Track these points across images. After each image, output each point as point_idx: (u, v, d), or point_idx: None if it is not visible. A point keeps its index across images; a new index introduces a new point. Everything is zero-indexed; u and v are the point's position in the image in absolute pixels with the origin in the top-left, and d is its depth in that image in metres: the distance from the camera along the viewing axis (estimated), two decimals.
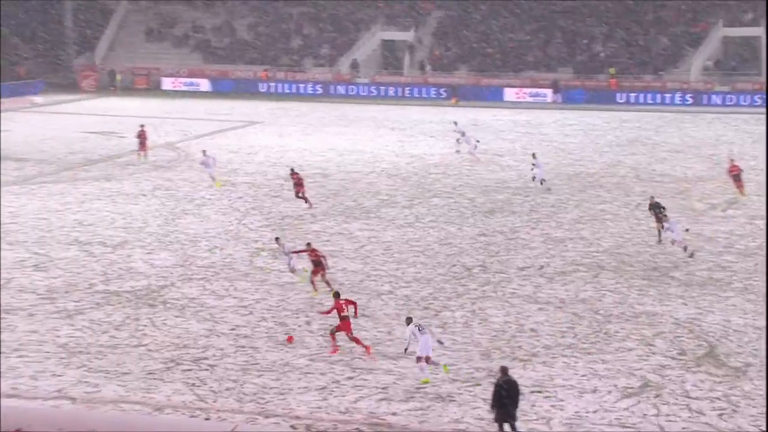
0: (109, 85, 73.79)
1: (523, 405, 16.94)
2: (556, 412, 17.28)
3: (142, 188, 35.87)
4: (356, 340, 19.89)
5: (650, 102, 66.03)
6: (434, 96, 69.70)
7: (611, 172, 40.45)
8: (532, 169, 36.84)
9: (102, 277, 24.81)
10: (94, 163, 41.67)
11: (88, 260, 26.31)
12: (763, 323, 21.65)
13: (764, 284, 24.30)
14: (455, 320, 22.13)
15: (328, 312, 20.60)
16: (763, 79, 64.25)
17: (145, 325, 21.36)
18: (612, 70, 68.16)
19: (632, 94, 66.62)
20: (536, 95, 68.14)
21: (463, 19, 76.48)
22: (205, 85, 73.83)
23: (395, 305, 23.13)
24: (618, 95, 66.54)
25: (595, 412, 17.27)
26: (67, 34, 79.56)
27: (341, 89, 71.91)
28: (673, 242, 27.35)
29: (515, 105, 65.67)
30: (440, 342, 19.19)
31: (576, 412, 17.25)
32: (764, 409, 17.08)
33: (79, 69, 76.20)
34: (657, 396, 17.96)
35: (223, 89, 73.22)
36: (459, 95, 67.92)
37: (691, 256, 26.80)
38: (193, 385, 18.14)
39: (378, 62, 76.22)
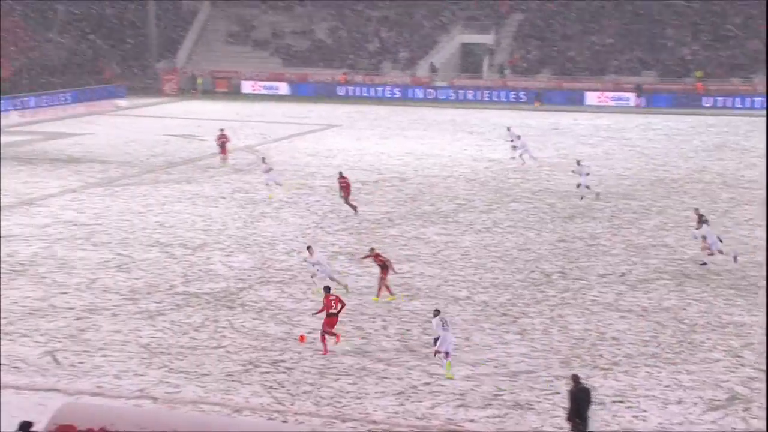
0: (190, 89, 75.36)
1: (604, 415, 16.67)
2: (639, 423, 16.96)
3: (221, 191, 36.48)
4: (331, 334, 20.03)
5: (738, 106, 64.45)
6: (513, 100, 69.26)
7: (696, 177, 39.58)
8: (576, 174, 36.07)
9: (182, 279, 25.30)
10: (175, 166, 42.56)
11: (168, 262, 26.86)
12: None
13: None
14: (534, 327, 21.93)
15: (320, 311, 20.38)
16: None
17: (224, 327, 21.70)
18: (698, 74, 66.73)
19: (719, 98, 65.13)
20: (619, 99, 67.13)
21: (544, 21, 75.81)
22: (284, 88, 74.77)
23: (473, 311, 23.03)
24: (704, 99, 65.09)
25: (680, 424, 16.89)
26: (150, 38, 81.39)
27: (419, 93, 72.06)
28: (711, 250, 26.32)
29: (597, 109, 64.85)
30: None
31: (660, 424, 16.91)
32: None
33: (161, 73, 77.95)
34: (746, 409, 17.49)
35: (302, 93, 74.04)
36: (542, 98, 67.31)
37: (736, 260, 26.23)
38: (271, 387, 18.36)
39: (457, 65, 76.14)
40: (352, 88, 73.46)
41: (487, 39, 75.63)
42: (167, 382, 18.51)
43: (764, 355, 20.13)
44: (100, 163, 43.02)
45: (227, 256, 27.67)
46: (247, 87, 75.48)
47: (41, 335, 20.90)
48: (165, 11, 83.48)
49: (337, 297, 20.42)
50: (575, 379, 15.94)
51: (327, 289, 20.83)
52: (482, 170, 42.08)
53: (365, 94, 72.84)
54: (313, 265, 24.16)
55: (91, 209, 33.38)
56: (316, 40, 79.49)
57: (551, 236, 30.22)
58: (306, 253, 25.08)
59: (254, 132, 54.07)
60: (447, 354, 18.94)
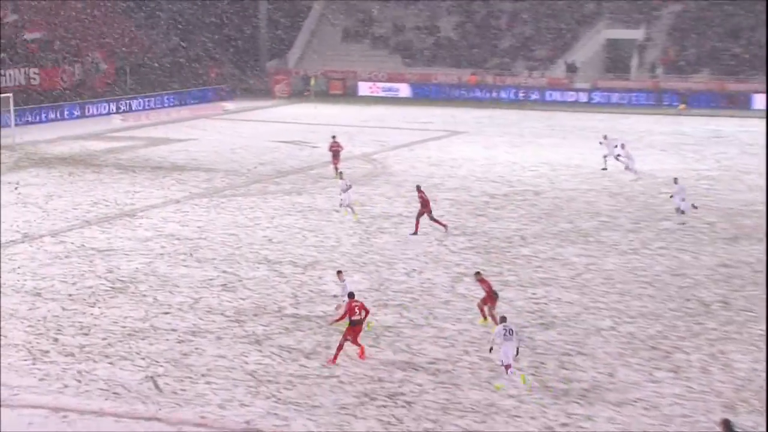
0: (302, 91, 76.85)
1: None
2: None
3: (335, 203, 36.99)
4: (355, 344, 21.29)
5: None
6: (666, 103, 67.84)
7: None
8: (671, 197, 35.01)
9: (292, 300, 25.73)
10: (285, 175, 43.40)
11: (277, 281, 27.37)
12: None
13: None
14: (690, 364, 21.35)
15: (341, 318, 21.47)
16: None
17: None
18: None
19: None
20: None
21: (705, 14, 74.00)
22: (404, 90, 75.37)
23: (617, 343, 22.60)
24: None
25: None
26: (260, 36, 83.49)
27: (557, 95, 71.55)
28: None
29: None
30: (517, 349, 20.42)
31: None
32: None
33: (271, 73, 79.80)
34: None
35: (425, 95, 74.51)
36: (687, 101, 65.62)
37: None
38: (389, 423, 18.44)
39: (600, 65, 75.22)
40: (481, 89, 73.46)
41: (636, 34, 74.41)
42: (275, 413, 18.83)
43: None
44: (204, 171, 44.29)
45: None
46: (364, 89, 76.48)
47: (142, 359, 21.60)
48: (277, 7, 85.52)
49: (361, 303, 21.23)
50: (727, 425, 15.43)
51: (351, 294, 21.71)
52: (628, 183, 41.35)
53: (495, 97, 72.75)
54: (341, 293, 23.68)
55: (194, 222, 34.36)
56: (441, 37, 79.88)
57: (710, 260, 29.40)
58: (337, 279, 24.52)
59: (371, 139, 54.63)
60: (508, 367, 19.96)
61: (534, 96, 72.02)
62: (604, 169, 43.66)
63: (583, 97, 70.91)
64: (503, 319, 20.86)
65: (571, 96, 71.24)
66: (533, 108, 69.10)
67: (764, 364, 21.29)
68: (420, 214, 32.57)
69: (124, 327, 23.59)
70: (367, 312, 21.36)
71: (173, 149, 50.75)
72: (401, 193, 39.47)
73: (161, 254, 30.11)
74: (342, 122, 61.37)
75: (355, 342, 21.41)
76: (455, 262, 29.38)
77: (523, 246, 31.31)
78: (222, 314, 24.61)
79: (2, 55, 62.68)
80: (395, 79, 76.36)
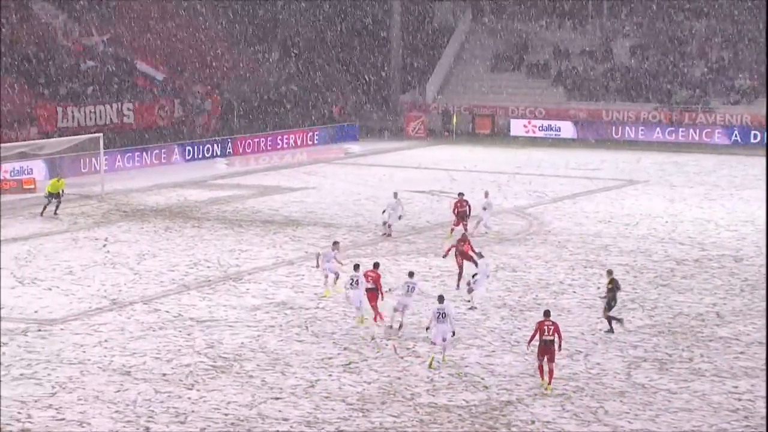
0: (442, 130, 77.49)
1: None
2: None
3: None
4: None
5: None
6: None
7: None
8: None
9: (427, 385, 25.73)
10: (421, 233, 43.60)
11: (410, 360, 27.46)
12: None
13: None
14: None
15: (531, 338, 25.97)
16: None
17: None
18: None
19: None
20: None
21: None
22: (568, 129, 75.31)
23: None
24: None
25: None
26: (393, 63, 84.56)
27: (763, 136, 70.00)
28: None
29: None
30: (453, 333, 27.34)
31: None
32: None
33: (405, 108, 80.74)
34: None
35: (593, 135, 74.17)
36: None
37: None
38: None
39: None
40: (666, 129, 72.73)
41: None
42: None
43: None
44: (324, 226, 44.91)
45: (488, 356, 27.88)
46: (517, 127, 76.65)
47: None
48: (412, 30, 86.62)
49: (555, 325, 25.67)
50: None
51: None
52: None
53: (684, 139, 71.88)
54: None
55: (311, 288, 34.80)
56: (614, 64, 79.50)
57: None
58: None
59: (526, 189, 54.54)
60: (443, 340, 26.72)
61: (735, 137, 70.74)
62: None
63: None
64: (440, 299, 27.37)
65: None
66: (734, 152, 67.85)
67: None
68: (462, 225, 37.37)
69: (227, 414, 23.96)
70: (560, 335, 25.66)
71: (287, 200, 51.70)
72: (563, 256, 39.15)
73: (271, 326, 30.58)
74: (489, 168, 61.48)
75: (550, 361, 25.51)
76: (632, 342, 28.91)
77: (720, 326, 30.64)
78: (343, 401, 24.76)
79: (93, 87, 65.20)
80: (556, 116, 76.38)
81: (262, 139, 70.17)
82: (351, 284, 30.72)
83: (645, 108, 74.80)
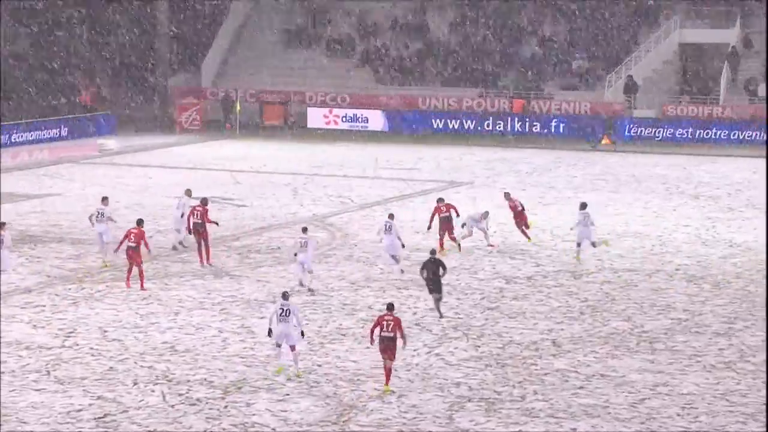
0: (223, 121, 77.02)
1: None
2: None
3: (273, 289, 36.93)
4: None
5: None
6: None
7: None
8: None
9: None
10: (196, 250, 43.18)
11: (182, 409, 27.24)
12: None
13: None
14: None
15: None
16: None
17: None
18: None
19: None
20: None
21: None
22: (376, 120, 75.97)
23: None
24: None
25: None
26: (160, 39, 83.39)
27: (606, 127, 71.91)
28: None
29: None
30: (302, 333, 29.80)
31: None
32: None
33: (175, 94, 79.89)
34: None
35: (407, 127, 74.93)
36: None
37: None
38: None
39: (671, 82, 76.07)
40: (492, 118, 73.87)
41: (726, 36, 75.32)
42: None
43: None
44: (71, 244, 44.15)
45: (280, 400, 27.81)
46: (315, 118, 76.84)
47: None
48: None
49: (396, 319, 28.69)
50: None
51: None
52: (716, 260, 41.61)
53: (517, 130, 73.17)
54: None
55: (56, 321, 34.19)
56: (431, 41, 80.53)
57: None
58: None
59: (327, 194, 54.76)
60: (293, 348, 29.23)
61: (572, 129, 72.48)
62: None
63: (646, 131, 71.58)
64: (285, 295, 29.61)
65: (629, 128, 71.77)
66: (570, 147, 69.61)
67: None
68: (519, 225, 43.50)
69: None
70: (402, 332, 28.27)
71: (22, 210, 50.63)
72: (372, 275, 39.40)
73: (11, 371, 29.82)
74: (283, 168, 61.51)
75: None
76: (454, 379, 29.26)
77: (557, 356, 31.26)
78: None
79: None
80: (363, 104, 76.83)
81: None
82: None
83: (468, 94, 75.94)
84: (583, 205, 42.24)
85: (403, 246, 39.61)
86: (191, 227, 41.09)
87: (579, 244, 41.63)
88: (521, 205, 44.34)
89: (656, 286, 38.54)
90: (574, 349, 31.83)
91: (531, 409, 27.39)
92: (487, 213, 43.58)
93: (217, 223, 41.40)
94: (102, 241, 40.76)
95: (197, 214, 40.90)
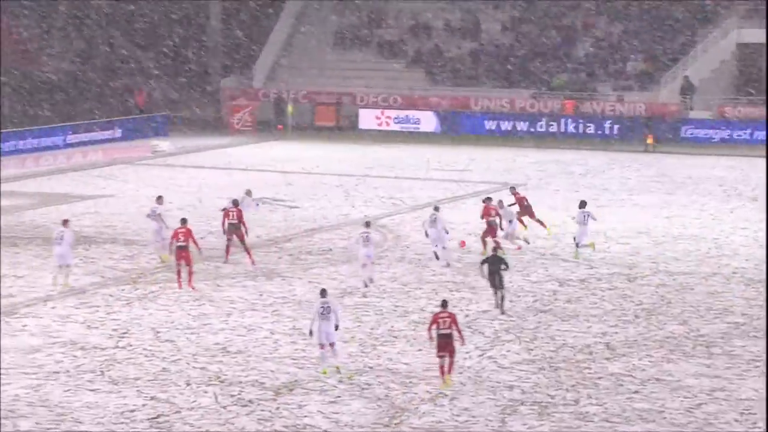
0: (274, 122, 77.18)
1: None
2: None
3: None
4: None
5: None
6: None
7: None
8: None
9: None
10: (255, 250, 43.27)
11: (234, 411, 27.33)
12: None
13: None
14: None
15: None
16: None
17: None
18: None
19: None
20: None
21: None
22: (428, 121, 75.95)
23: None
24: None
25: None
26: (211, 40, 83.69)
27: (664, 129, 71.51)
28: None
29: None
30: (336, 327, 29.69)
31: None
32: None
33: (227, 96, 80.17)
34: None
35: (459, 129, 74.82)
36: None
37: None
38: None
39: (729, 83, 75.53)
40: (547, 120, 73.66)
41: None
42: None
43: None
44: (124, 244, 44.58)
45: (332, 402, 27.88)
46: (367, 119, 76.94)
47: None
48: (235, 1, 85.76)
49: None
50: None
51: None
52: None
53: (571, 130, 72.96)
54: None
55: (110, 321, 34.48)
56: (485, 43, 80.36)
57: None
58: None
59: (378, 195, 54.82)
60: (332, 345, 29.53)
61: (625, 130, 72.13)
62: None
63: (701, 133, 71.08)
64: (323, 293, 29.81)
65: (688, 131, 71.32)
66: (624, 149, 69.26)
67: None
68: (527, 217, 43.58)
69: None
70: (458, 327, 28.84)
71: (77, 211, 50.90)
72: (425, 277, 39.42)
73: (55, 372, 30.03)
74: (334, 169, 61.59)
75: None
76: (506, 383, 29.23)
77: (611, 360, 31.18)
78: None
79: None
80: (414, 105, 76.84)
81: (42, 135, 68.62)
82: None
83: (521, 95, 75.80)
84: (583, 204, 42.68)
85: (447, 232, 40.93)
86: (226, 229, 41.25)
87: (578, 244, 42.21)
88: (527, 200, 45.24)
89: (713, 289, 38.34)
90: (629, 353, 31.72)
91: (585, 413, 27.33)
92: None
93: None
94: (160, 237, 41.16)
95: (232, 215, 41.06)
